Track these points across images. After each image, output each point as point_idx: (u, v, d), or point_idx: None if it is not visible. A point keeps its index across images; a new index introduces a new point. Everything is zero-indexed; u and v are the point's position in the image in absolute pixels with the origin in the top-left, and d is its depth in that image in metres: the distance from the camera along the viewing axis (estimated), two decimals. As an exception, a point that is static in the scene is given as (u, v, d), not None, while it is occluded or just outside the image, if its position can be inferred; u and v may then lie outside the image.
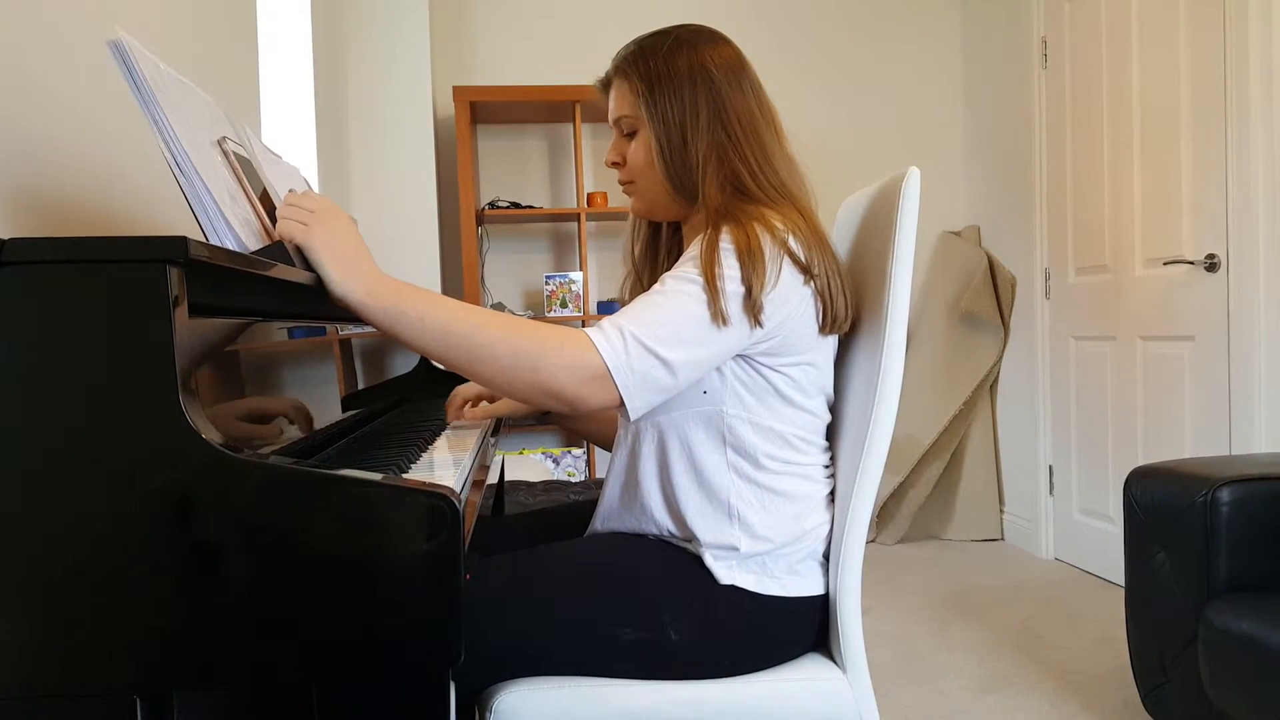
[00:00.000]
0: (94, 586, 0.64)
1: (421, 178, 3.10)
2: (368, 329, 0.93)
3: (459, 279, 3.30)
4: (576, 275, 3.33)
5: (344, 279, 0.87)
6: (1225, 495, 1.61)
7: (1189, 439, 2.53)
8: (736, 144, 1.07)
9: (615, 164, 1.13)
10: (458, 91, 3.19)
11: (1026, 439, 3.31)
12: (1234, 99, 2.32)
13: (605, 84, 1.15)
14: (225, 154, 0.86)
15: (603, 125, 3.51)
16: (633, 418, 0.97)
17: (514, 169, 3.56)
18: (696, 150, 1.06)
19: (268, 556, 0.65)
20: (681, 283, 0.98)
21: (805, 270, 1.01)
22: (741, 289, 0.97)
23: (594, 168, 3.55)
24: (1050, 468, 3.20)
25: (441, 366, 0.96)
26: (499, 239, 3.55)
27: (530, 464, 3.10)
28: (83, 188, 1.09)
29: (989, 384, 3.46)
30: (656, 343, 0.94)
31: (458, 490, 0.70)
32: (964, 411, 3.40)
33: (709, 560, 1.05)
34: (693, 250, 1.02)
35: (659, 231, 1.22)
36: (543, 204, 3.53)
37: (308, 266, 0.86)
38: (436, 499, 0.67)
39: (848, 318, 1.08)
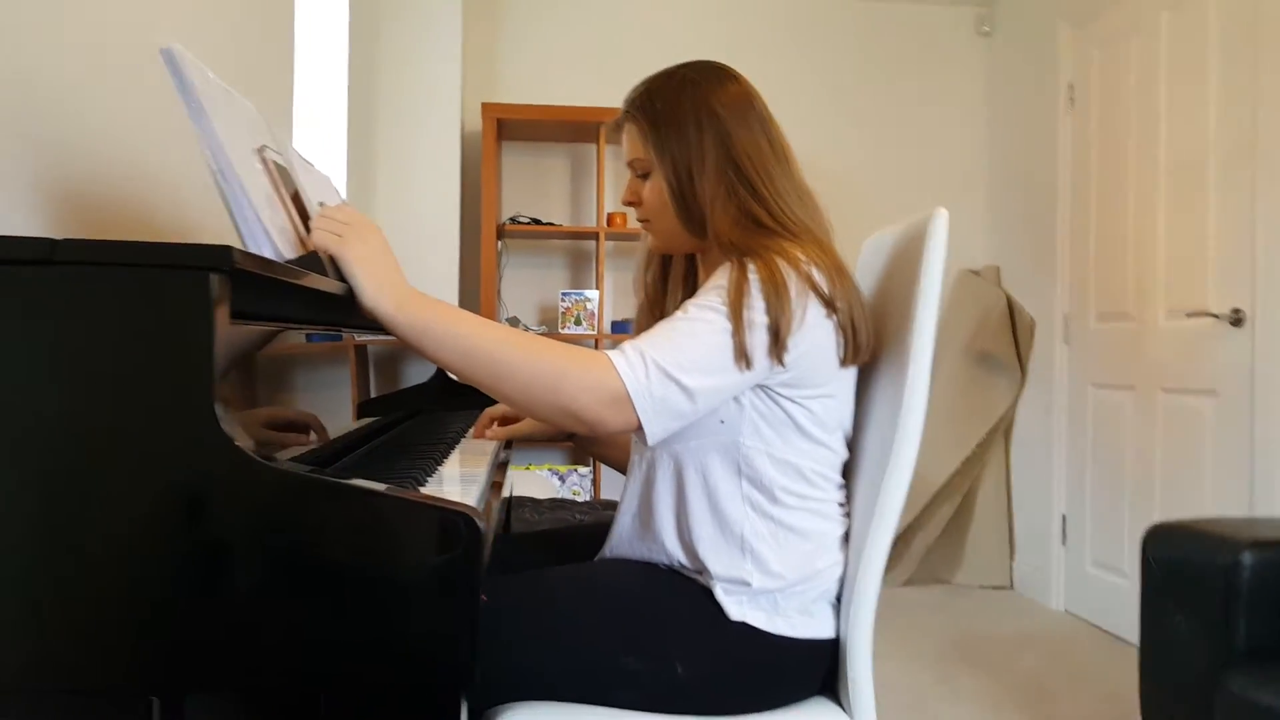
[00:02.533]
0: (118, 586, 0.64)
1: (445, 190, 3.11)
2: (385, 336, 0.94)
3: (476, 292, 3.30)
4: (592, 293, 3.33)
5: (376, 291, 0.88)
6: (1248, 559, 1.57)
7: (1209, 496, 2.49)
8: (746, 179, 1.07)
9: (631, 203, 1.15)
10: (486, 108, 3.21)
11: (1040, 486, 3.27)
12: (1263, 151, 2.30)
13: (617, 126, 1.16)
14: (265, 162, 0.86)
15: (627, 148, 3.52)
16: (650, 443, 0.97)
17: (536, 186, 3.57)
18: (705, 189, 1.07)
19: (289, 565, 0.66)
20: (705, 311, 0.99)
21: (829, 304, 1.01)
22: (767, 326, 0.97)
23: (615, 188, 3.56)
24: (1064, 517, 3.16)
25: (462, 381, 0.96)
26: (517, 254, 3.55)
27: (536, 480, 3.09)
28: (120, 190, 1.09)
29: (1004, 427, 3.43)
30: (677, 369, 0.94)
31: (478, 509, 0.70)
32: (977, 454, 3.37)
33: (720, 594, 1.03)
34: (718, 280, 1.01)
35: (669, 260, 1.23)
36: (562, 222, 3.54)
37: (339, 276, 0.87)
38: (459, 517, 0.66)
39: (868, 347, 1.07)
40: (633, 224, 3.43)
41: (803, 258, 1.01)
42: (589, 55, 3.53)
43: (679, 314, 1.01)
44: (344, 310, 0.88)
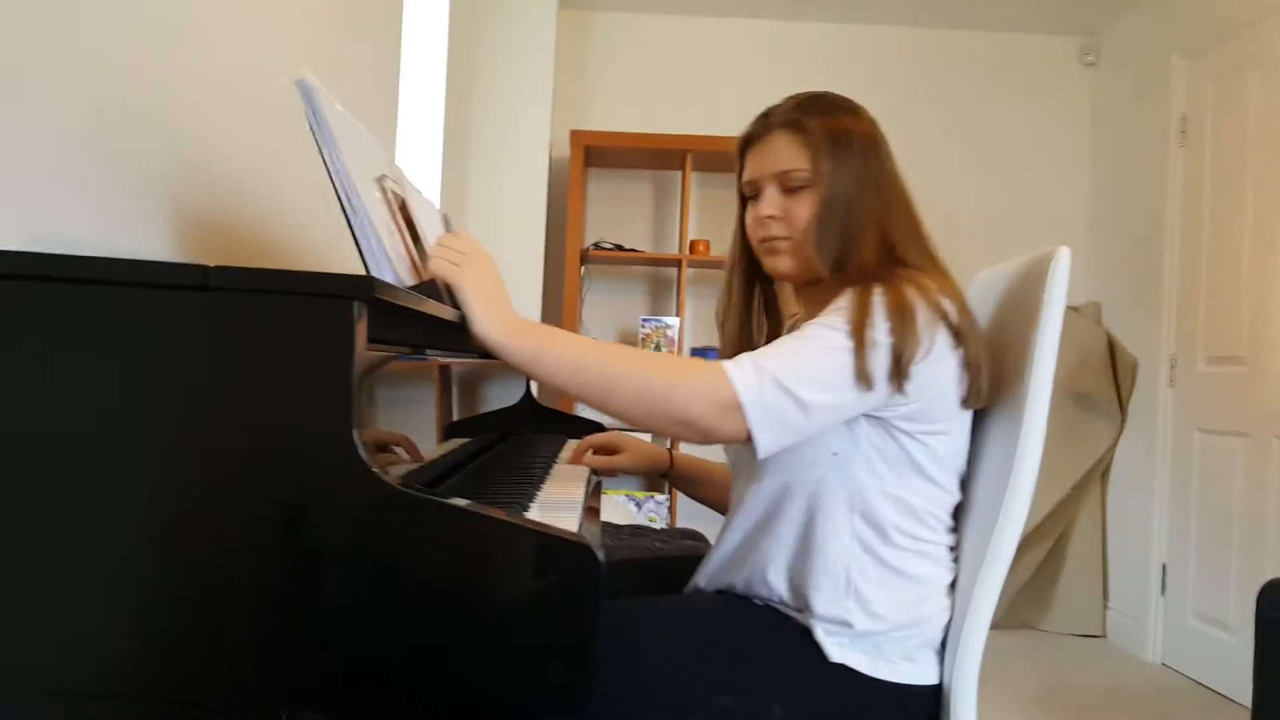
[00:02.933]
0: (247, 602, 0.66)
1: (532, 214, 3.17)
2: (468, 358, 0.97)
3: (558, 315, 3.34)
4: (673, 320, 3.33)
5: (486, 319, 0.90)
6: (1384, 623, 1.46)
7: (1329, 552, 2.33)
8: (894, 214, 1.07)
9: (773, 218, 1.08)
10: (575, 135, 3.26)
11: (1139, 533, 3.11)
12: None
13: (765, 127, 1.10)
14: (384, 191, 0.89)
15: (711, 175, 3.53)
16: (761, 454, 0.95)
17: (619, 212, 3.60)
18: (861, 217, 1.04)
19: (418, 592, 0.66)
20: (826, 330, 0.97)
21: (957, 335, 0.99)
22: (890, 349, 0.95)
23: (698, 215, 3.56)
24: (1164, 565, 3.00)
25: (578, 402, 0.97)
26: (599, 279, 3.58)
27: (614, 505, 3.09)
28: (247, 215, 1.13)
29: (1101, 470, 3.28)
30: (792, 381, 0.93)
31: (595, 542, 0.69)
32: (1072, 496, 3.22)
33: (820, 635, 1.00)
34: (841, 303, 1.00)
35: (751, 294, 1.18)
36: (645, 248, 3.56)
37: (453, 303, 0.89)
38: (582, 551, 0.66)
39: (988, 392, 1.04)
40: (716, 251, 3.44)
41: (933, 286, 0.99)
42: (675, 83, 3.56)
43: (797, 333, 0.99)
44: (455, 336, 0.90)
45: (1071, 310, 3.45)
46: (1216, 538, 2.75)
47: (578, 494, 1.05)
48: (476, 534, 0.66)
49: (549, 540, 0.66)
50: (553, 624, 0.66)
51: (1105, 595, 3.28)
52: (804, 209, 1.06)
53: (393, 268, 0.80)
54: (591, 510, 1.07)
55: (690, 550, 1.26)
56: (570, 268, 3.27)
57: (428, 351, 1.02)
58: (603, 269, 3.58)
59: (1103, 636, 3.25)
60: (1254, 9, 2.69)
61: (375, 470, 0.65)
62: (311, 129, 0.74)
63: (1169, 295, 3.05)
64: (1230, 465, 2.71)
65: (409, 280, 0.85)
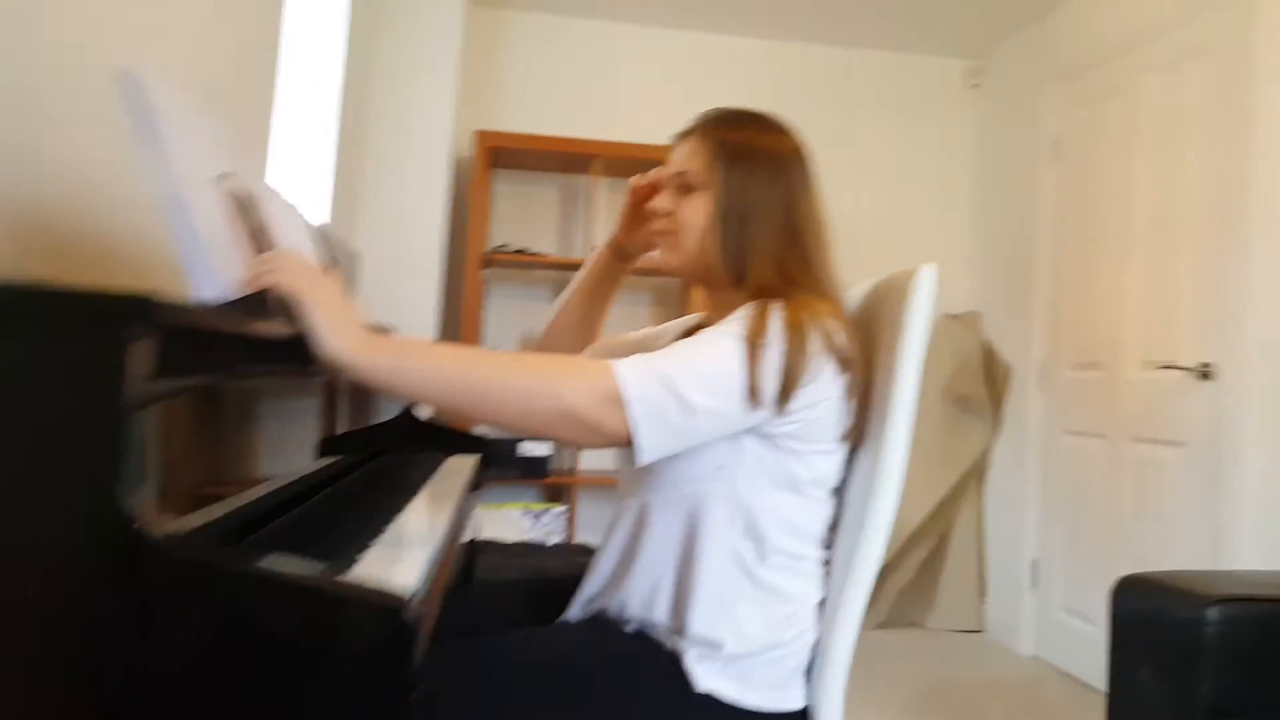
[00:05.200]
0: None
1: (432, 216, 3.09)
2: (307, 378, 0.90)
3: (457, 320, 3.29)
4: (576, 326, 3.31)
5: (337, 336, 0.83)
6: (1213, 614, 1.58)
7: (1175, 546, 2.49)
8: (798, 241, 1.07)
9: (660, 212, 1.13)
10: (480, 136, 3.22)
11: (1013, 530, 3.27)
12: (1236, 211, 2.35)
13: (683, 135, 1.14)
14: (226, 191, 0.85)
15: (620, 180, 3.54)
16: (642, 458, 0.92)
17: (525, 215, 3.57)
18: (758, 236, 1.06)
19: (197, 667, 0.58)
20: (719, 337, 0.97)
21: (844, 364, 1.00)
22: (780, 366, 0.95)
23: (606, 220, 3.57)
24: (1035, 562, 3.16)
25: (445, 415, 0.93)
26: (503, 284, 3.55)
27: (508, 520, 3.04)
28: (89, 214, 1.07)
29: (978, 471, 3.43)
30: (678, 381, 0.92)
31: (413, 591, 0.62)
32: (952, 496, 3.37)
33: (689, 662, 1.00)
34: (739, 314, 1.00)
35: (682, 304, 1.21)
36: (551, 252, 3.54)
37: (287, 315, 0.82)
38: (386, 615, 0.58)
39: (861, 430, 1.06)
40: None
41: (826, 311, 1.01)
42: (585, 87, 3.55)
43: (692, 338, 0.99)
44: (297, 355, 0.83)
45: (952, 318, 3.61)
46: (1081, 534, 2.92)
47: (441, 523, 1.00)
48: (259, 598, 0.57)
49: (346, 601, 0.58)
50: (353, 698, 0.58)
51: (983, 592, 3.43)
52: (690, 210, 1.08)
53: (219, 278, 0.76)
54: (451, 545, 1.01)
55: (578, 567, 1.24)
56: (471, 272, 3.22)
57: (291, 376, 0.96)
58: (507, 274, 3.54)
59: (981, 632, 3.40)
60: (1121, 42, 2.88)
61: (145, 530, 0.55)
62: (133, 122, 0.71)
63: (1039, 305, 3.22)
64: (1091, 465, 2.89)
65: (246, 292, 0.80)
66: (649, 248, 1.26)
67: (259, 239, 0.91)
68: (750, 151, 1.08)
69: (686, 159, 1.10)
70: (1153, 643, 1.68)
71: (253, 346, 0.81)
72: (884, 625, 3.37)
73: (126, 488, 0.56)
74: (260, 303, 0.78)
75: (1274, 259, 2.25)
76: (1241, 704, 1.56)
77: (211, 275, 0.75)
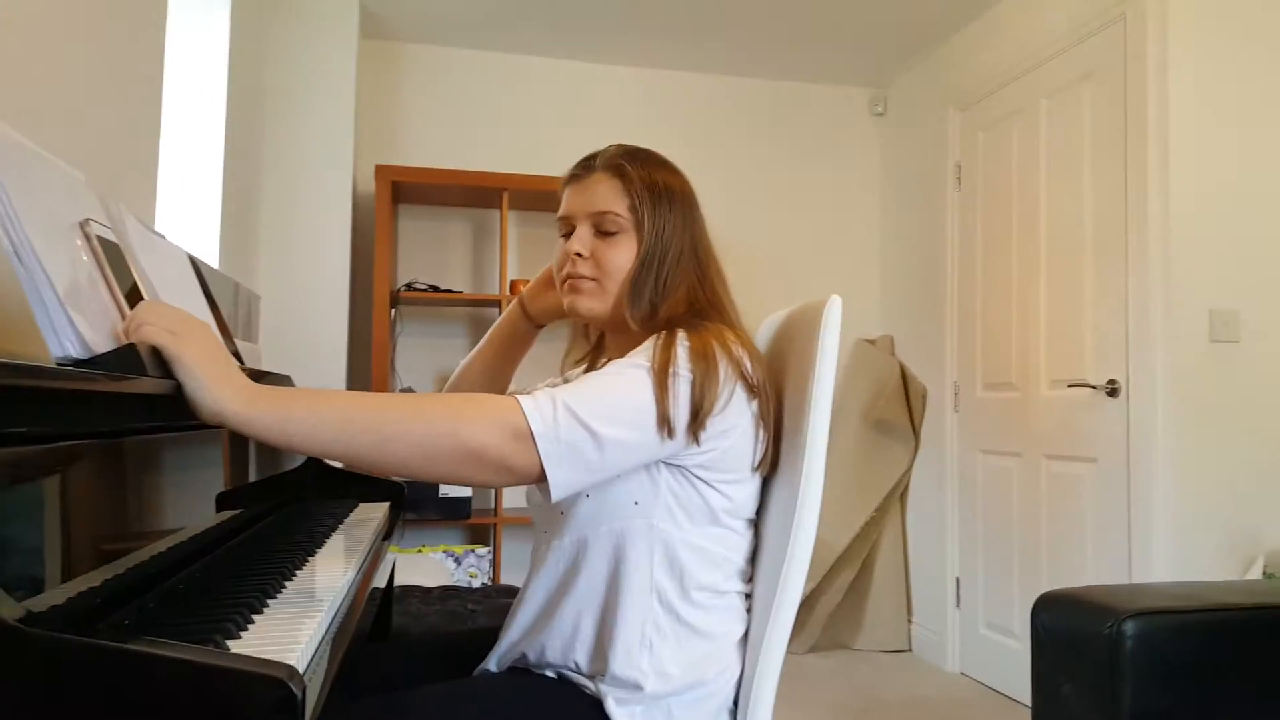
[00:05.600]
0: None
1: (336, 254, 2.99)
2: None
3: (367, 360, 3.17)
4: (492, 362, 3.23)
5: (218, 390, 0.78)
6: (1130, 628, 1.60)
7: (1091, 559, 2.56)
8: (703, 271, 1.09)
9: (581, 255, 1.08)
10: (380, 170, 3.13)
11: (935, 550, 3.32)
12: (1133, 232, 2.44)
13: (586, 169, 1.10)
14: (87, 237, 0.77)
15: (529, 214, 3.50)
16: (555, 494, 0.90)
17: (434, 252, 3.49)
18: (677, 274, 1.06)
19: None
20: (628, 368, 0.95)
21: (752, 390, 1.00)
22: (690, 396, 0.94)
23: (518, 254, 3.51)
24: (957, 580, 3.21)
25: (341, 465, 0.87)
26: (414, 321, 3.44)
27: (428, 564, 2.92)
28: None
29: (899, 491, 3.48)
30: (587, 414, 0.89)
31: (307, 656, 0.59)
32: (876, 519, 3.40)
33: (610, 705, 0.97)
34: (646, 345, 0.98)
35: (601, 342, 1.19)
36: (464, 288, 3.46)
37: (164, 373, 0.76)
38: (272, 694, 0.54)
39: (772, 459, 1.05)
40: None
41: (733, 338, 1.00)
42: (487, 120, 3.50)
43: (599, 370, 0.97)
44: (174, 411, 0.77)
45: (868, 343, 3.67)
46: (1000, 551, 2.98)
47: (346, 575, 0.95)
48: (137, 677, 0.53)
49: (228, 674, 0.55)
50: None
51: (909, 611, 3.47)
52: (614, 253, 1.06)
53: (78, 333, 0.68)
54: (365, 594, 0.96)
55: (501, 610, 1.18)
56: (380, 309, 3.11)
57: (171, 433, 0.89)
58: (418, 311, 3.44)
59: (909, 651, 3.43)
60: (1014, 68, 2.99)
61: None
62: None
63: (950, 327, 3.30)
64: (1008, 483, 2.95)
65: (112, 345, 0.73)
66: (558, 314, 1.23)
67: (128, 287, 0.83)
68: (667, 191, 1.08)
69: (604, 200, 1.07)
70: (1073, 658, 1.70)
71: (122, 403, 0.74)
72: (815, 649, 3.37)
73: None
74: (133, 357, 0.71)
75: (1171, 276, 2.35)
76: (1162, 714, 1.59)
77: (68, 327, 0.68)
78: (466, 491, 3.16)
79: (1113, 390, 2.50)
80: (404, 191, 3.27)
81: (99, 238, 0.80)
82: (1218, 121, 2.36)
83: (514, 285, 3.30)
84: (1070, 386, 2.65)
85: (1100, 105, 2.60)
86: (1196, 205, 2.35)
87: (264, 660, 0.57)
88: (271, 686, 0.55)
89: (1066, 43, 2.74)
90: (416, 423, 0.85)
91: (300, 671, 0.57)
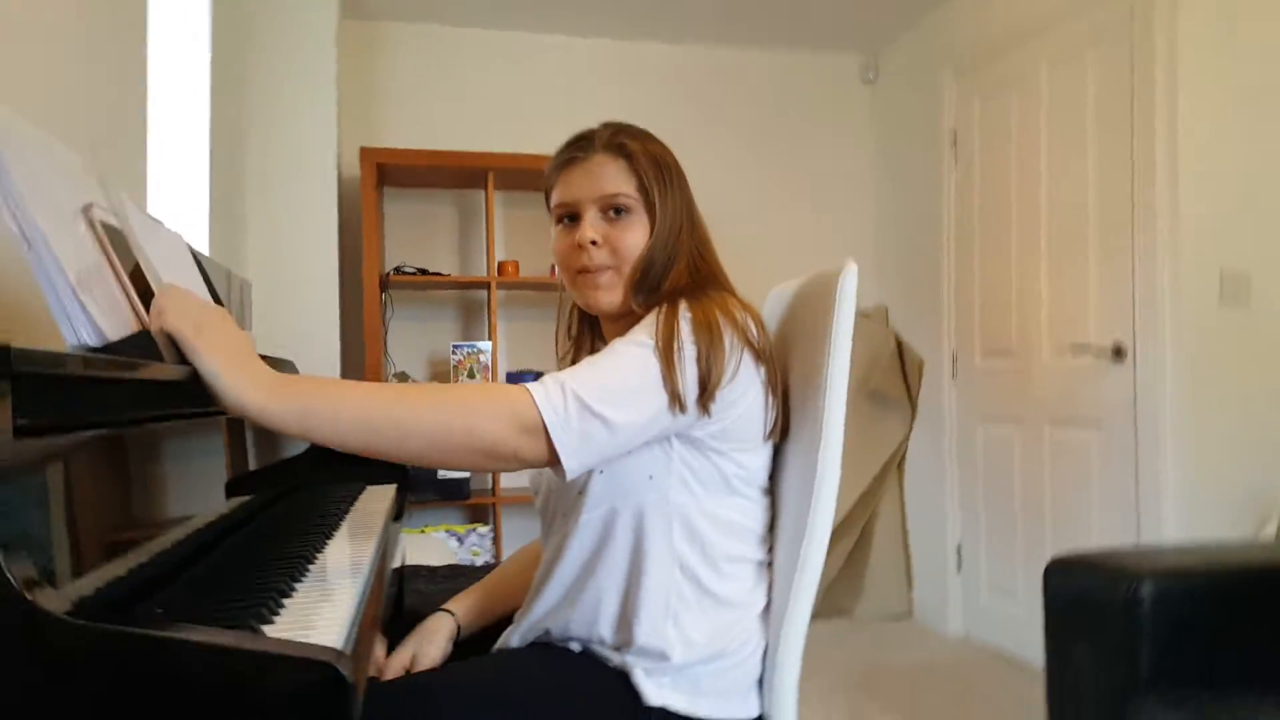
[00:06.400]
0: None
1: (323, 240, 2.95)
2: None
3: (360, 346, 3.13)
4: (485, 344, 3.21)
5: (240, 381, 0.77)
6: (1147, 590, 1.60)
7: (1097, 523, 2.57)
8: (702, 241, 1.08)
9: (596, 243, 1.04)
10: (365, 153, 3.07)
11: (934, 517, 3.34)
12: (1140, 196, 2.42)
13: (582, 150, 1.06)
14: (92, 223, 0.74)
15: (516, 194, 3.45)
16: (568, 477, 0.91)
17: (422, 234, 3.44)
18: (679, 249, 1.05)
19: None
20: (633, 347, 0.94)
21: (759, 356, 0.99)
22: (697, 368, 0.93)
23: (505, 235, 3.47)
24: (959, 546, 3.22)
25: (366, 455, 0.85)
26: (404, 306, 3.40)
27: (431, 544, 2.92)
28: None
29: (897, 462, 3.49)
30: (598, 401, 0.89)
31: (349, 648, 0.58)
32: (873, 488, 3.41)
33: (638, 676, 0.97)
34: (648, 320, 0.97)
35: (596, 325, 1.17)
36: (451, 271, 3.42)
37: (180, 359, 0.74)
38: (321, 677, 0.54)
39: (782, 425, 1.05)
40: (526, 272, 3.36)
41: (736, 305, 1.00)
42: (470, 99, 3.45)
43: (604, 350, 0.97)
44: (191, 397, 0.76)
45: (862, 315, 3.66)
46: (1003, 517, 2.99)
47: (366, 556, 0.94)
48: (173, 664, 0.53)
49: (275, 661, 0.54)
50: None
51: (910, 578, 3.49)
52: (628, 236, 1.04)
53: (93, 322, 0.65)
54: (386, 573, 0.95)
55: None
56: (370, 295, 3.07)
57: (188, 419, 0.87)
58: (408, 295, 3.40)
59: (910, 617, 3.45)
60: (1014, 34, 2.94)
61: (36, 602, 0.50)
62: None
63: (948, 296, 3.29)
64: (1009, 450, 2.96)
65: (125, 332, 0.70)
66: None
67: (136, 272, 0.80)
68: (667, 166, 1.07)
69: (613, 182, 1.04)
70: (1088, 621, 1.71)
71: (141, 391, 0.73)
72: (815, 617, 3.37)
73: (7, 559, 0.51)
74: (147, 343, 0.70)
75: (1178, 239, 2.33)
76: (1178, 676, 1.60)
77: (82, 316, 0.66)
78: (464, 473, 3.14)
79: (1118, 353, 2.49)
80: (389, 174, 3.23)
81: (103, 223, 0.76)
82: (1230, 84, 2.31)
83: (501, 266, 3.26)
84: (1073, 353, 2.64)
85: (1106, 71, 2.56)
86: (1205, 168, 2.31)
87: (311, 645, 0.57)
88: (322, 670, 0.55)
89: (1072, 7, 2.69)
90: (433, 418, 0.86)
91: (347, 654, 0.57)
